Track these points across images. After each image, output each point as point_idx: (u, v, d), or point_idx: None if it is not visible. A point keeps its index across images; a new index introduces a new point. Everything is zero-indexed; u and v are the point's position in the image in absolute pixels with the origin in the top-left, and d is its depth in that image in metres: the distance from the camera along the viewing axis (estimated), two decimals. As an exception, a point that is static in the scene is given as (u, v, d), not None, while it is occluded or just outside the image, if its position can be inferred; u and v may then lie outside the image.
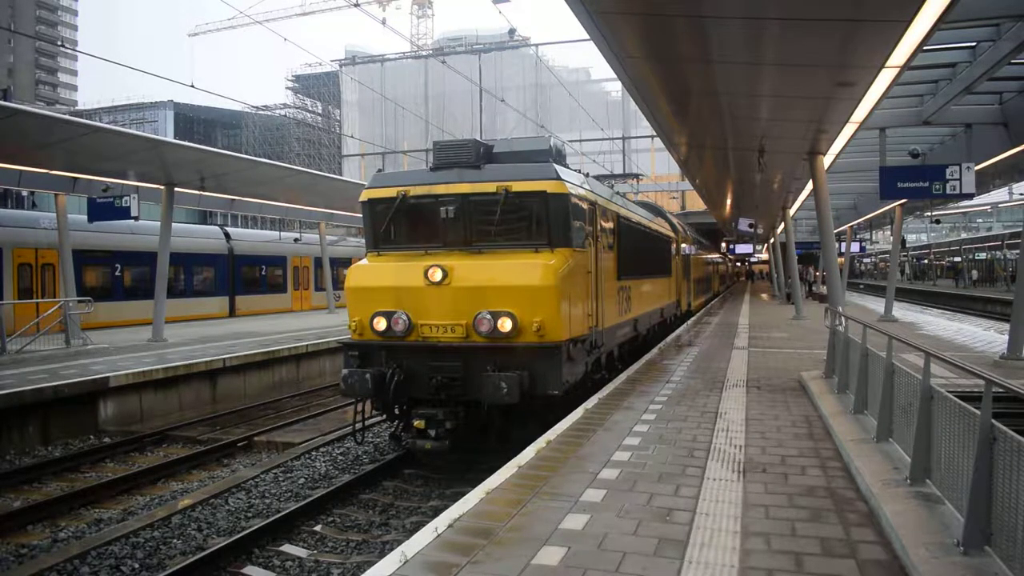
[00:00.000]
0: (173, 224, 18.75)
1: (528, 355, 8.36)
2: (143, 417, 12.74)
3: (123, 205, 17.06)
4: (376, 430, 11.39)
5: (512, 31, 27.20)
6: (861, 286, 60.64)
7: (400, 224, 9.47)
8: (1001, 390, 4.08)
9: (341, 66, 75.56)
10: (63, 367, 13.29)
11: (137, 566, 6.62)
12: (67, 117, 17.97)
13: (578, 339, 9.13)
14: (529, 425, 8.46)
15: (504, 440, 8.59)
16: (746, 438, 7.11)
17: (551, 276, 8.46)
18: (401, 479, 9.17)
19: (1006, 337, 12.25)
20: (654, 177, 41.60)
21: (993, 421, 3.97)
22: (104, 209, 17.30)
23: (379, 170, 13.28)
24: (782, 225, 28.73)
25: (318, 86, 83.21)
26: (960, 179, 12.02)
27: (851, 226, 34.93)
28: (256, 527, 7.22)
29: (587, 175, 11.09)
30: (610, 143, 39.10)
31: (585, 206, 9.72)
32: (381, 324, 8.84)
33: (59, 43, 79.91)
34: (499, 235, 9.03)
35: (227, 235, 28.44)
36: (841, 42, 7.44)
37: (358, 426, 9.22)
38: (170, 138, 58.69)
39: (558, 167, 9.29)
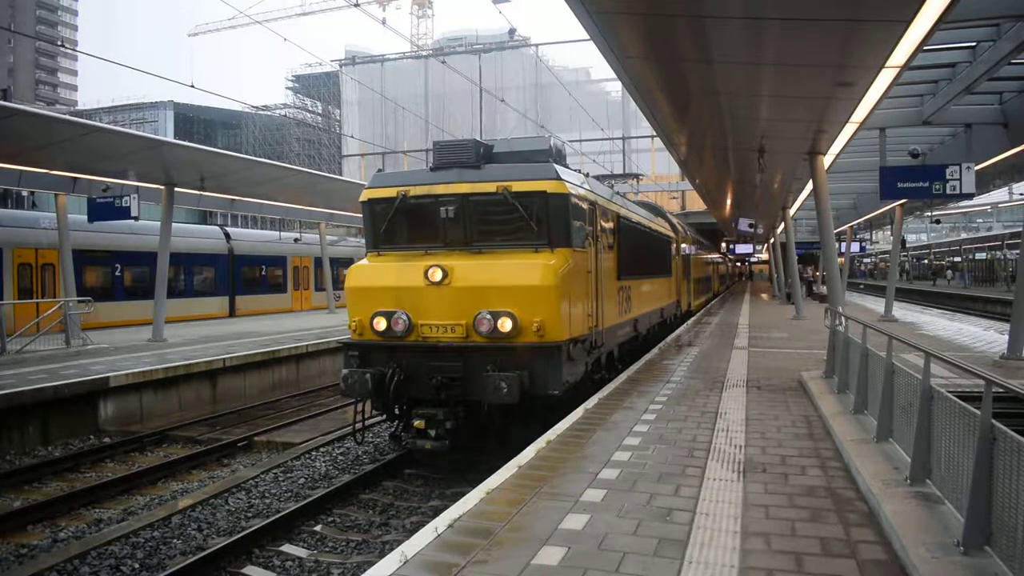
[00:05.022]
0: (173, 224, 18.75)
1: (528, 355, 8.36)
2: (143, 417, 12.73)
3: (123, 205, 17.05)
4: (376, 430, 11.39)
5: (512, 31, 27.23)
6: (861, 286, 60.67)
7: (400, 224, 9.47)
8: (1001, 390, 4.08)
9: (341, 66, 75.65)
10: (63, 367, 13.29)
11: (137, 566, 6.62)
12: (67, 117, 17.98)
13: (578, 339, 9.13)
14: (529, 425, 8.46)
15: (504, 440, 8.58)
16: (746, 438, 7.11)
17: (551, 276, 8.46)
18: (401, 479, 9.17)
19: (1006, 337, 12.25)
20: (654, 177, 41.57)
21: (993, 421, 3.97)
22: (104, 209, 17.29)
23: (379, 170, 13.27)
24: (782, 225, 28.73)
25: (318, 86, 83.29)
26: (960, 179, 12.01)
27: (851, 226, 34.93)
28: (256, 527, 7.22)
29: (587, 175, 11.09)
30: (610, 143, 39.12)
31: (585, 206, 9.72)
32: (381, 324, 8.84)
33: (59, 43, 79.87)
34: (499, 235, 9.04)
35: (227, 235, 28.43)
36: (841, 42, 7.44)
37: (358, 426, 9.22)
38: (170, 138, 58.70)
39: (558, 167, 9.29)
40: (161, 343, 17.09)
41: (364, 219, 9.74)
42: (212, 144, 58.10)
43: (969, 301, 38.36)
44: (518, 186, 8.84)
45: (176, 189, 18.20)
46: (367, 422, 9.49)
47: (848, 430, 7.05)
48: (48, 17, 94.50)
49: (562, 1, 6.59)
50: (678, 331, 18.92)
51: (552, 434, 7.39)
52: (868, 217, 32.14)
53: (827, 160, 13.79)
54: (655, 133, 14.81)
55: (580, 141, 33.01)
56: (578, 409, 8.56)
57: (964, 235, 64.99)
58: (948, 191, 12.16)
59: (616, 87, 66.34)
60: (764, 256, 58.73)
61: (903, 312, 24.76)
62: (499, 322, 8.37)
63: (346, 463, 9.80)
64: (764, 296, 40.06)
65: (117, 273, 22.76)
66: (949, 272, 58.96)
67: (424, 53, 68.42)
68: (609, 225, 11.29)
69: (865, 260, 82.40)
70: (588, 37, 7.71)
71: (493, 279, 8.59)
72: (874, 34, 7.05)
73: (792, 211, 27.28)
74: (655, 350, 14.57)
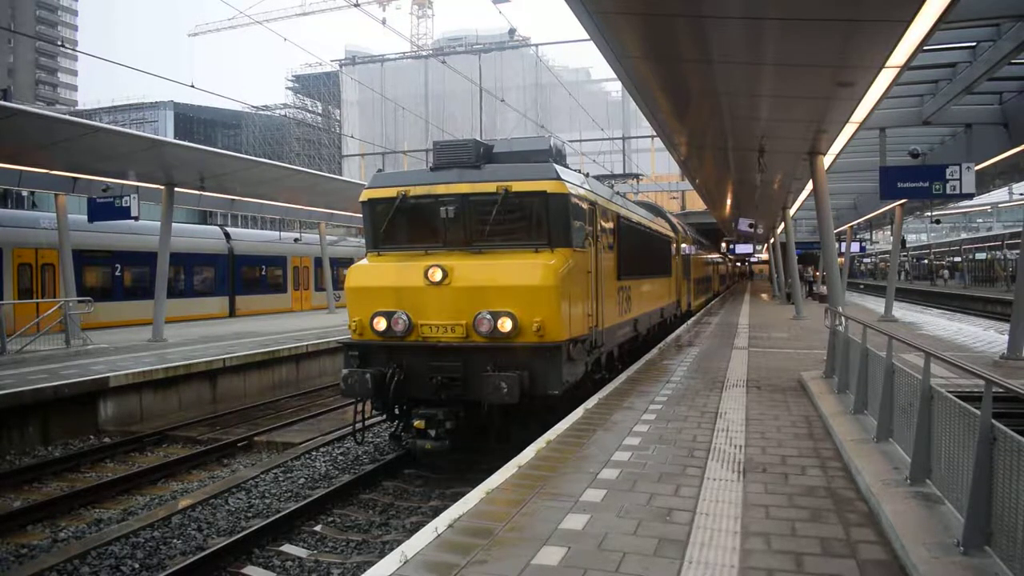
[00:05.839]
0: (173, 224, 18.76)
1: (528, 355, 8.36)
2: (143, 417, 12.73)
3: (123, 205, 17.05)
4: (376, 430, 11.39)
5: (512, 31, 27.25)
6: (861, 286, 60.72)
7: (400, 224, 9.47)
8: (1001, 390, 4.08)
9: (341, 66, 75.69)
10: (63, 367, 13.28)
11: (137, 566, 6.61)
12: (67, 117, 17.98)
13: (578, 339, 9.13)
14: (529, 425, 8.46)
15: (504, 440, 8.59)
16: (746, 438, 7.11)
17: (551, 276, 8.46)
18: (401, 479, 9.17)
19: (1006, 337, 12.25)
20: (654, 177, 41.59)
21: (993, 421, 3.97)
22: (104, 209, 17.29)
23: (379, 170, 13.27)
24: (782, 225, 28.73)
25: (318, 86, 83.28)
26: (960, 179, 12.02)
27: (851, 226, 34.93)
28: (256, 527, 7.22)
29: (587, 175, 11.09)
30: (610, 143, 39.12)
31: (585, 206, 9.72)
32: (381, 324, 8.84)
33: (59, 43, 79.85)
34: (499, 235, 9.03)
35: (227, 235, 28.44)
36: (841, 42, 7.44)
37: (358, 426, 9.22)
38: (170, 138, 58.69)
39: (558, 167, 9.29)
40: (161, 343, 17.08)
41: (364, 219, 9.74)
42: (212, 144, 58.03)
43: (969, 301, 38.35)
44: (518, 186, 8.85)
45: (176, 189, 18.20)
46: (367, 422, 9.49)
47: (848, 430, 7.05)
48: (48, 17, 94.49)
49: (562, 1, 6.59)
50: (678, 331, 18.92)
51: (552, 434, 7.39)
52: (868, 217, 32.12)
53: (827, 160, 13.79)
54: (655, 133, 14.81)
55: (580, 141, 33.02)
56: (578, 409, 8.56)
57: (964, 235, 65.00)
58: (948, 191, 12.17)
59: (616, 87, 66.42)
60: (764, 256, 58.73)
61: (903, 312, 24.76)
62: (499, 322, 8.36)
63: (346, 463, 9.80)
64: (764, 296, 40.05)
65: (117, 273, 22.77)
66: (945, 272, 59.39)
67: (424, 53, 68.42)
68: (609, 225, 11.29)
69: (865, 260, 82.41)
70: (588, 37, 7.71)
71: (493, 279, 8.59)
72: (874, 34, 7.05)
73: (792, 211, 27.28)
74: (655, 350, 14.57)
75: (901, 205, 20.89)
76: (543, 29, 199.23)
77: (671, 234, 19.57)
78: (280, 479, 9.13)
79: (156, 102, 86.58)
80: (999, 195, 46.88)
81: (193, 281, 26.18)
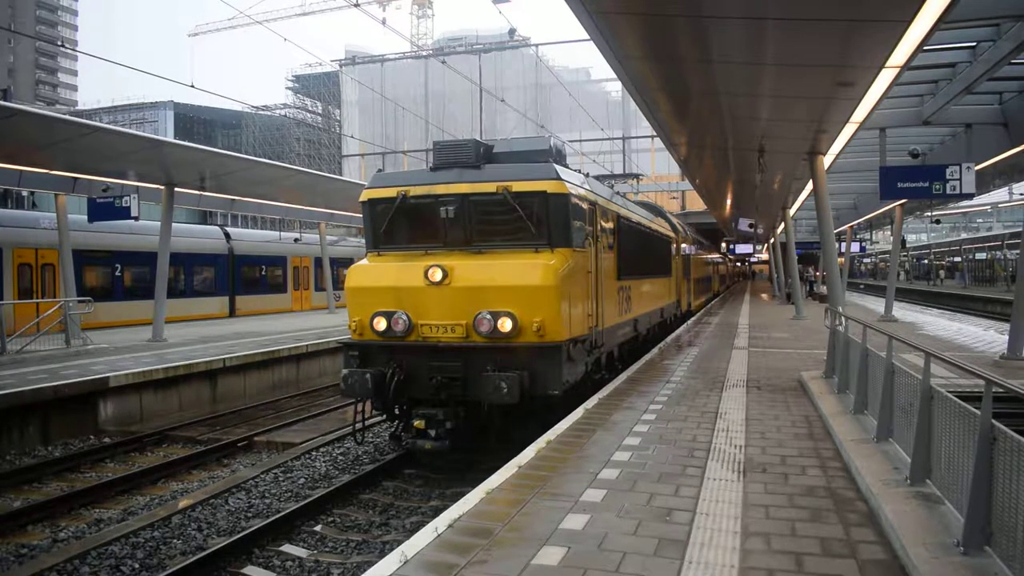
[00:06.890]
0: (173, 224, 18.75)
1: (528, 355, 8.36)
2: (143, 417, 12.73)
3: (123, 205, 17.05)
4: (376, 430, 11.39)
5: (512, 31, 27.24)
6: (861, 286, 60.74)
7: (400, 224, 9.47)
8: (1001, 390, 4.08)
9: (341, 66, 75.70)
10: (63, 367, 13.28)
11: (137, 566, 6.62)
12: (67, 117, 17.98)
13: (578, 339, 9.13)
14: (529, 425, 8.46)
15: (504, 440, 8.58)
16: (746, 438, 7.11)
17: (551, 276, 8.47)
18: (401, 479, 9.17)
19: (1006, 337, 12.25)
20: (654, 177, 41.58)
21: (993, 421, 3.97)
22: (104, 209, 17.29)
23: (379, 170, 13.28)
24: (782, 225, 28.73)
25: (318, 86, 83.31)
26: (960, 179, 12.02)
27: (851, 226, 34.93)
28: (256, 527, 7.22)
29: (587, 175, 11.09)
30: (610, 143, 39.12)
31: (585, 206, 9.72)
32: (381, 324, 8.85)
33: (59, 43, 79.76)
34: (499, 235, 9.04)
35: (227, 235, 28.43)
36: (841, 42, 7.44)
37: (358, 426, 9.22)
38: (170, 138, 58.69)
39: (558, 167, 9.29)
40: (161, 343, 17.08)
41: (364, 219, 9.74)
42: (212, 144, 57.99)
43: (969, 301, 38.35)
44: (518, 186, 8.85)
45: (176, 189, 18.20)
46: (367, 422, 9.50)
47: (848, 430, 7.05)
48: (48, 17, 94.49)
49: (562, 1, 6.59)
50: (678, 331, 18.91)
51: (552, 434, 7.39)
52: (868, 217, 32.12)
53: (827, 160, 13.79)
54: (655, 133, 14.81)
55: (580, 141, 32.99)
56: (578, 409, 8.56)
57: (964, 235, 65.04)
58: (948, 191, 12.17)
59: (616, 87, 66.43)
60: (764, 256, 58.74)
61: (903, 312, 24.76)
62: (499, 322, 8.37)
63: (346, 463, 9.80)
64: (764, 296, 40.04)
65: (117, 273, 22.76)
66: (942, 272, 59.62)
67: (424, 53, 68.42)
68: (609, 225, 11.29)
69: (865, 260, 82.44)
70: (588, 37, 7.71)
71: (493, 279, 8.59)
72: (874, 34, 7.05)
73: (792, 211, 27.28)
74: (655, 350, 14.56)
75: (901, 205, 20.90)
76: (543, 29, 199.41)
77: (671, 234, 19.57)
78: (280, 479, 9.13)
79: (156, 102, 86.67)
80: (999, 195, 46.88)
81: (193, 281, 26.17)
